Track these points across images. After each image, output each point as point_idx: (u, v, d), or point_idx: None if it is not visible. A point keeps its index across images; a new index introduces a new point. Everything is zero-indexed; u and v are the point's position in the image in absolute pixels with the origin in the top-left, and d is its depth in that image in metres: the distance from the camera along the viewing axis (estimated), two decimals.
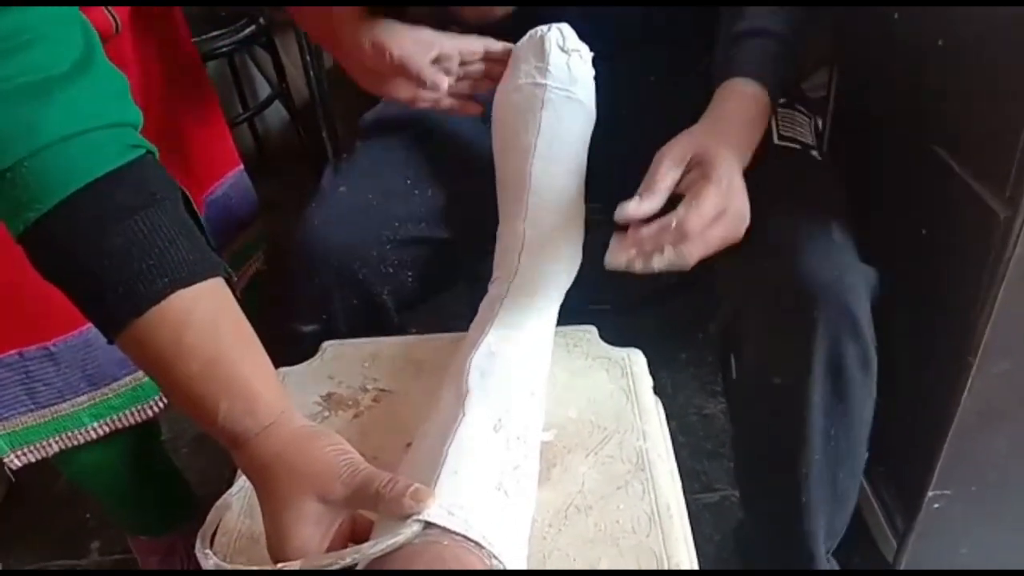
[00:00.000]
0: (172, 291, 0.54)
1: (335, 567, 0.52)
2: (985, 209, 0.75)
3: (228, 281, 0.58)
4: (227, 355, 0.55)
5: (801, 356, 0.76)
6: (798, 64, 0.85)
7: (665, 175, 0.70)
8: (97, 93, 0.55)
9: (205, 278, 0.55)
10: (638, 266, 0.68)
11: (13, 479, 1.31)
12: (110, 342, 0.55)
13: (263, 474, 0.55)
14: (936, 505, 0.90)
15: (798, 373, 0.77)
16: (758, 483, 0.93)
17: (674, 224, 0.66)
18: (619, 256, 0.68)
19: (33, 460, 0.92)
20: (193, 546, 0.59)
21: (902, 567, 0.97)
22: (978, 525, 0.94)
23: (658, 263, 0.67)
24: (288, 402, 0.58)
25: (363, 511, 0.57)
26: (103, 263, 0.53)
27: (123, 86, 0.58)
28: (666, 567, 0.59)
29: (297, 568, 0.52)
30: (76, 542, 1.34)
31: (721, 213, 0.69)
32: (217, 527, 0.62)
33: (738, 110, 0.77)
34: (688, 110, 0.79)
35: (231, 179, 1.05)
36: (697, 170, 0.71)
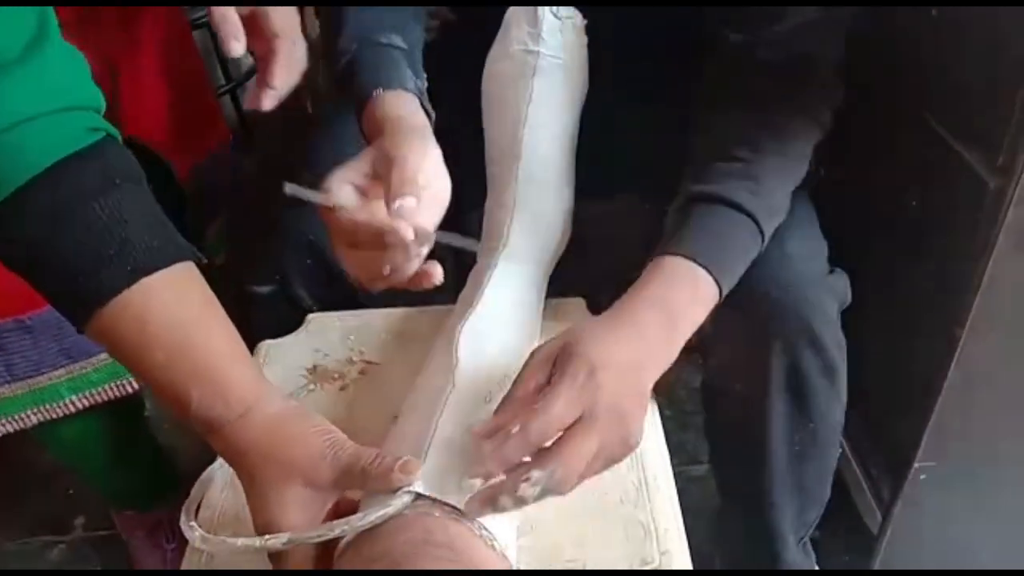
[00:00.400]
0: (135, 279, 0.52)
1: (323, 539, 0.51)
2: (976, 179, 0.74)
3: (199, 263, 0.57)
4: (193, 341, 0.54)
5: (759, 370, 0.74)
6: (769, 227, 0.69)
7: (526, 379, 0.55)
8: (53, 75, 0.52)
9: (170, 264, 0.54)
10: (508, 505, 0.51)
11: None
12: (79, 331, 0.54)
13: (242, 461, 0.54)
14: (922, 476, 0.90)
15: (756, 386, 0.76)
16: (727, 474, 0.94)
17: (514, 431, 0.50)
18: (479, 508, 0.52)
19: (11, 431, 0.91)
20: (178, 521, 0.59)
21: (886, 539, 0.97)
22: (964, 497, 0.94)
23: (530, 494, 0.50)
24: (265, 385, 0.56)
25: (350, 491, 0.56)
26: (63, 253, 0.51)
27: (81, 67, 0.56)
28: (654, 538, 0.59)
29: (284, 540, 0.51)
30: (60, 518, 1.34)
31: (586, 417, 0.52)
32: (201, 501, 0.61)
33: (659, 296, 0.61)
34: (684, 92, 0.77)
35: (219, 149, 1.04)
36: (558, 363, 0.55)
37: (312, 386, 0.76)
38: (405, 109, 0.69)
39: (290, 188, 0.61)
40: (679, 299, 0.61)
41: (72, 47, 0.56)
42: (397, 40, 0.75)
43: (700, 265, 0.62)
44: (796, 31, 0.70)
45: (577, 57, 0.78)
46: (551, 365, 0.55)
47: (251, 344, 0.82)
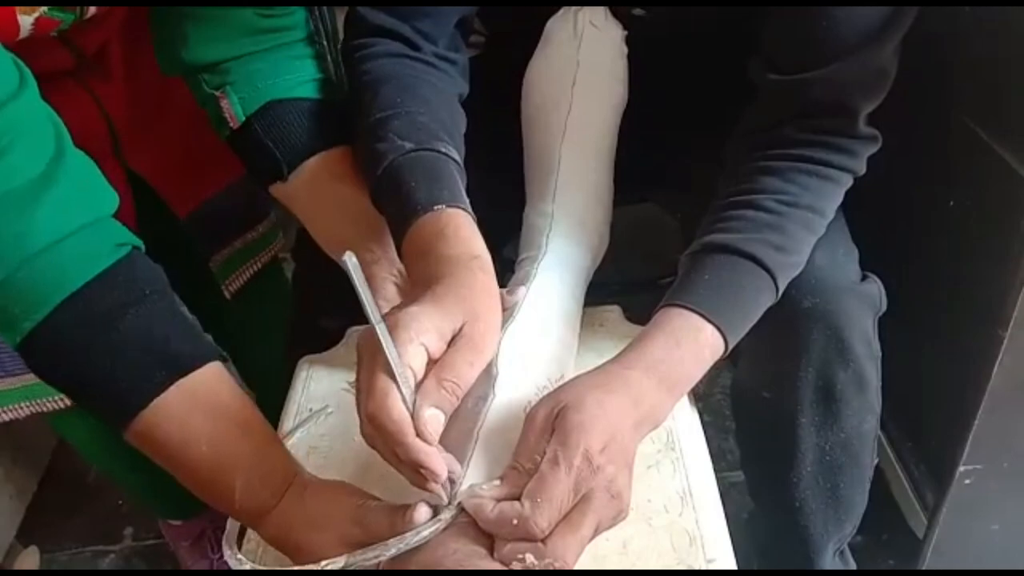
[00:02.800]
0: (171, 382, 0.56)
1: (381, 558, 0.52)
2: (1015, 177, 0.74)
3: (223, 360, 0.60)
4: (233, 433, 0.58)
5: (789, 380, 0.73)
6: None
7: (528, 447, 0.54)
8: (75, 191, 0.56)
9: (201, 365, 0.57)
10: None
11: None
12: (122, 434, 0.57)
13: (289, 537, 0.57)
14: (967, 480, 0.89)
15: (786, 395, 0.75)
16: (758, 481, 0.93)
17: (514, 522, 0.50)
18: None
19: (7, 419, 0.92)
20: (222, 530, 0.61)
21: (932, 544, 0.96)
22: (1010, 500, 0.93)
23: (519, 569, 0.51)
24: (294, 463, 0.60)
25: None
26: (100, 365, 0.55)
27: (95, 174, 0.59)
28: (699, 546, 0.59)
29: (342, 564, 0.52)
30: (110, 528, 1.37)
31: (583, 502, 0.52)
32: (242, 530, 0.63)
33: (660, 360, 0.59)
34: (710, 93, 0.77)
35: (236, 181, 1.02)
36: (556, 436, 0.53)
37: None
38: (475, 243, 0.60)
39: (350, 261, 0.50)
40: (682, 361, 0.60)
41: (83, 154, 0.58)
42: (453, 152, 0.66)
43: (710, 322, 0.61)
44: (839, 72, 0.67)
45: (617, 68, 0.79)
46: (550, 431, 0.54)
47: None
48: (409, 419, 0.51)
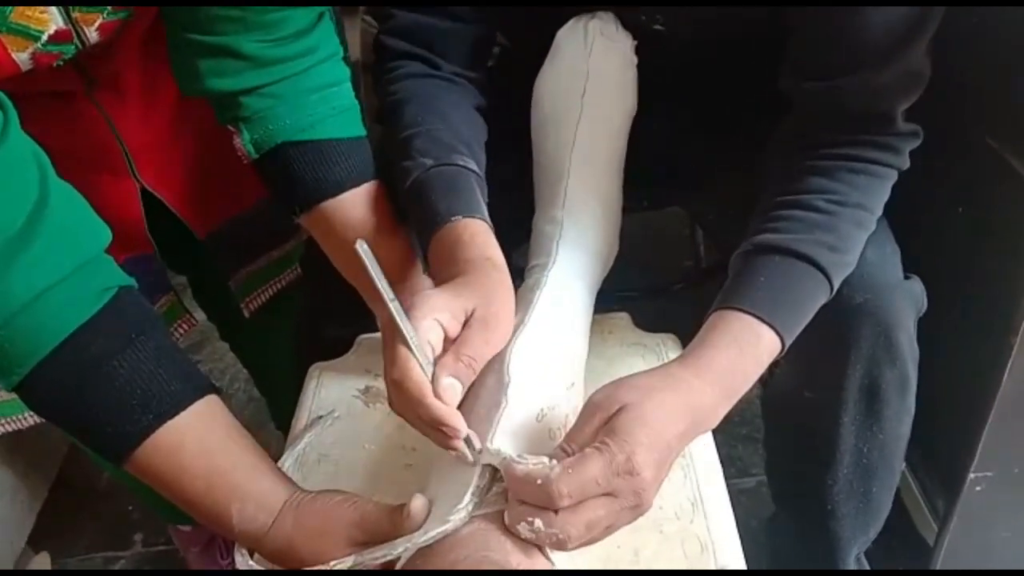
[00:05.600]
0: (159, 424, 0.57)
1: (388, 557, 0.53)
2: (1022, 185, 0.74)
3: (215, 391, 0.62)
4: (226, 465, 0.59)
5: (834, 378, 0.73)
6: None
7: (583, 434, 0.55)
8: (60, 235, 0.56)
9: (191, 403, 0.59)
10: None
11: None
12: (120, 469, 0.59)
13: (290, 553, 0.59)
14: (977, 488, 0.89)
15: (829, 394, 0.75)
16: (787, 484, 0.92)
17: (538, 483, 0.51)
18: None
19: (11, 430, 0.93)
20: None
21: (943, 550, 0.96)
22: (1021, 507, 0.93)
23: (527, 534, 0.53)
24: (287, 482, 0.62)
25: None
26: (91, 409, 0.56)
27: (82, 211, 0.59)
28: (711, 552, 0.60)
29: (350, 563, 0.53)
30: (120, 534, 1.38)
31: (609, 496, 0.52)
32: None
33: (726, 369, 0.60)
34: (733, 101, 0.77)
35: (260, 203, 1.01)
36: (609, 427, 0.54)
37: (366, 406, 0.78)
38: (490, 246, 0.65)
39: (361, 247, 0.57)
40: (745, 371, 0.60)
41: (69, 187, 0.58)
42: (471, 163, 0.71)
43: (769, 325, 0.61)
44: (872, 78, 0.67)
45: (626, 78, 0.79)
46: (605, 422, 0.54)
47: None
48: (428, 382, 0.54)
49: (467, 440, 0.55)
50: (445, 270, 0.63)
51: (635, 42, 0.79)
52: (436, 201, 0.67)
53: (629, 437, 0.52)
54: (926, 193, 0.94)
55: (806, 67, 0.71)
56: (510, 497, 0.54)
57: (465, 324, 0.58)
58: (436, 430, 0.55)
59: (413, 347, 0.54)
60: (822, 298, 0.66)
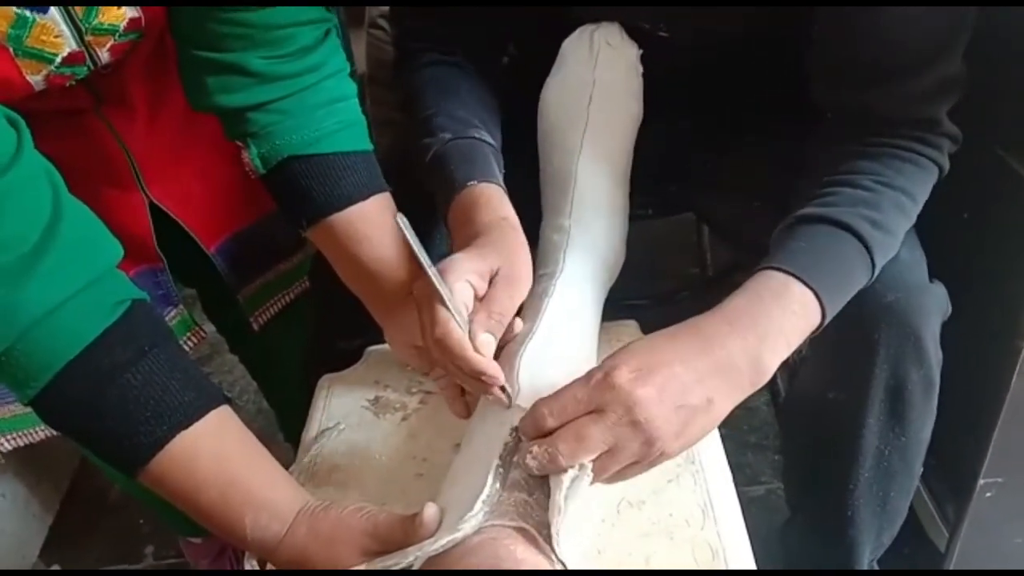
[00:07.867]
0: (173, 435, 0.58)
1: (399, 566, 0.53)
2: None
3: (227, 400, 0.62)
4: (240, 475, 0.60)
5: (860, 378, 0.73)
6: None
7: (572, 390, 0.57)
8: (73, 250, 0.56)
9: (203, 414, 0.59)
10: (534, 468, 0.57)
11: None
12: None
13: (304, 561, 0.59)
14: (988, 494, 0.88)
15: (855, 394, 0.74)
16: (805, 488, 0.92)
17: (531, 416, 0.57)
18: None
19: (22, 444, 0.93)
20: (242, 549, 0.63)
21: (954, 557, 0.96)
22: None
23: (532, 465, 0.56)
24: (299, 491, 0.63)
25: None
26: (105, 422, 0.57)
27: (94, 227, 0.60)
28: (722, 559, 0.60)
29: (362, 569, 0.53)
30: (131, 547, 1.38)
31: (597, 410, 0.55)
32: None
33: (741, 309, 0.59)
34: (738, 105, 0.77)
35: (269, 216, 1.01)
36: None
37: (375, 417, 0.78)
38: (504, 207, 0.70)
39: (402, 220, 0.65)
40: (769, 314, 0.59)
41: (81, 203, 0.59)
42: (487, 136, 0.76)
43: (798, 278, 0.60)
44: (904, 86, 0.68)
45: (632, 87, 0.80)
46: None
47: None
48: (467, 338, 0.61)
49: (503, 388, 0.61)
50: (464, 232, 0.69)
51: (640, 51, 0.79)
52: (454, 170, 0.72)
53: (611, 360, 0.57)
54: (932, 197, 0.94)
55: (843, 78, 0.71)
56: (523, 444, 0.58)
57: (490, 283, 0.64)
58: (477, 379, 0.61)
59: (451, 308, 0.60)
60: (862, 273, 0.64)
